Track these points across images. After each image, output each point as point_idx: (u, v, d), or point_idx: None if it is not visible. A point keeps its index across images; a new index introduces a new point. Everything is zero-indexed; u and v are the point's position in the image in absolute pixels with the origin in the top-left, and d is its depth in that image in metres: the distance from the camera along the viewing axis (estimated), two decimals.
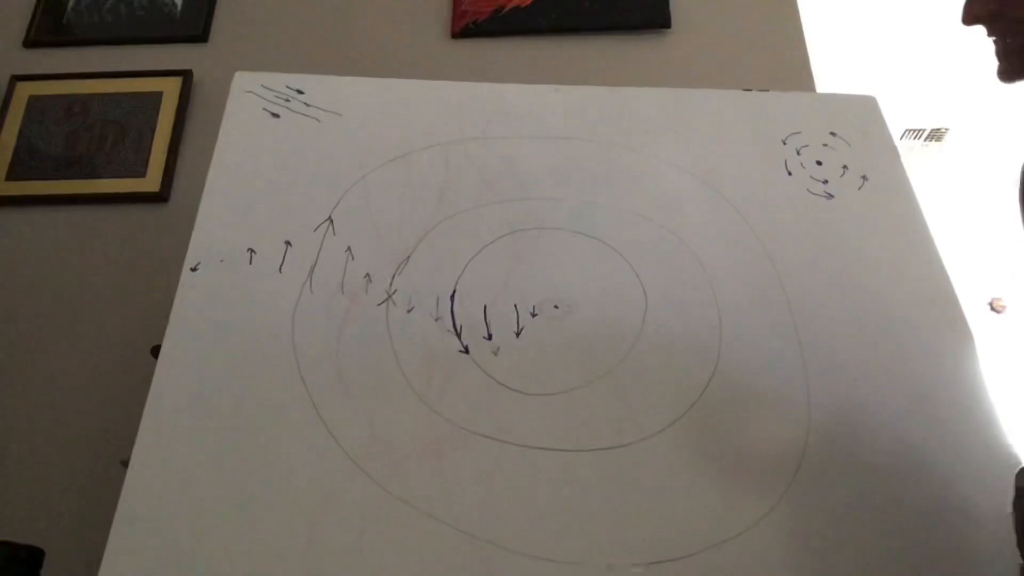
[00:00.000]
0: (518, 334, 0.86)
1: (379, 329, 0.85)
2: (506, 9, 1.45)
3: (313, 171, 0.98)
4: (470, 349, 0.85)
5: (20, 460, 1.13)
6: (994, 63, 0.57)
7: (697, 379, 0.83)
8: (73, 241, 1.29)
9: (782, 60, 1.39)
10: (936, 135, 3.03)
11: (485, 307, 0.88)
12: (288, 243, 0.91)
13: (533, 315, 0.88)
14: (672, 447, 0.79)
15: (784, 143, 1.07)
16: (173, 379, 0.79)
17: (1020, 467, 0.66)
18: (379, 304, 0.87)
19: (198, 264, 0.88)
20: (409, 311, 0.87)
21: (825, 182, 1.03)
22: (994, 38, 0.57)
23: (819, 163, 1.05)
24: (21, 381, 1.18)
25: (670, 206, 0.99)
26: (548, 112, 1.08)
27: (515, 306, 0.88)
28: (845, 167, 1.05)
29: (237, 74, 1.05)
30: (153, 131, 1.36)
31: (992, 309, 2.90)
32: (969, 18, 0.56)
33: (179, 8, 1.50)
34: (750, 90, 1.14)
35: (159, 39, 1.48)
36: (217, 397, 0.79)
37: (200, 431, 0.76)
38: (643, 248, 0.95)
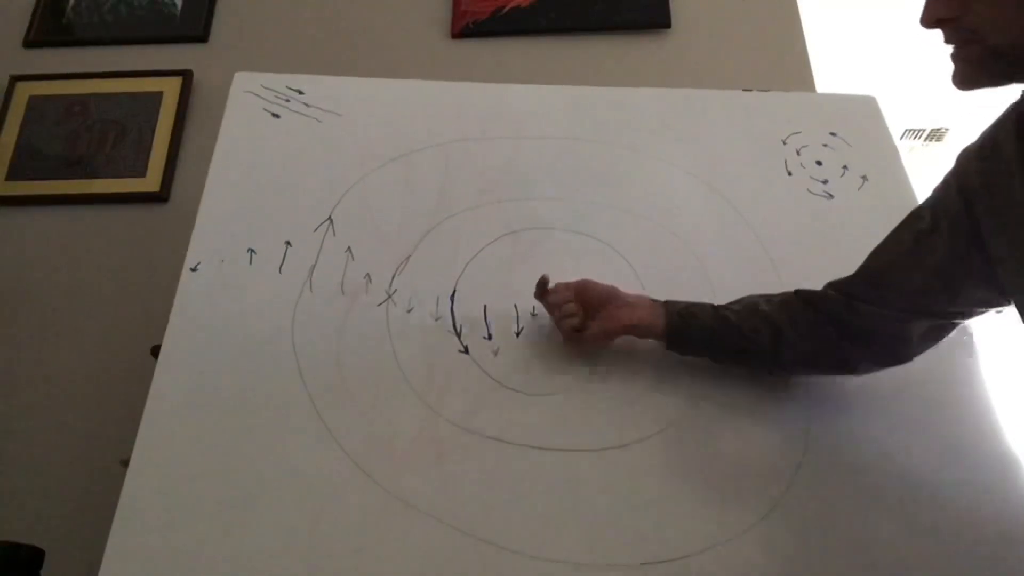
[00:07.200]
0: (518, 334, 0.86)
1: (379, 329, 0.85)
2: (506, 9, 1.45)
3: (313, 171, 0.98)
4: (470, 349, 0.85)
5: (20, 460, 1.13)
6: (950, 68, 0.58)
7: (696, 380, 0.83)
8: (73, 241, 1.29)
9: (782, 60, 1.39)
10: (936, 135, 3.02)
11: (485, 307, 0.88)
12: (288, 243, 0.91)
13: (533, 315, 0.87)
14: (671, 449, 0.79)
15: (784, 143, 1.07)
16: (173, 379, 0.79)
17: None
18: (379, 304, 0.87)
19: (198, 264, 0.88)
20: (409, 311, 0.87)
21: (825, 182, 1.03)
22: (951, 44, 0.57)
23: (819, 163, 1.05)
24: (21, 381, 1.18)
25: (670, 206, 0.99)
26: (548, 112, 1.08)
27: (515, 306, 0.88)
28: (845, 167, 1.05)
29: (237, 74, 1.05)
30: (153, 131, 1.36)
31: None
32: (927, 20, 0.56)
33: (179, 8, 1.50)
34: (750, 90, 1.14)
35: (159, 39, 1.48)
36: (217, 397, 0.79)
37: (200, 431, 0.76)
38: (643, 248, 0.95)
